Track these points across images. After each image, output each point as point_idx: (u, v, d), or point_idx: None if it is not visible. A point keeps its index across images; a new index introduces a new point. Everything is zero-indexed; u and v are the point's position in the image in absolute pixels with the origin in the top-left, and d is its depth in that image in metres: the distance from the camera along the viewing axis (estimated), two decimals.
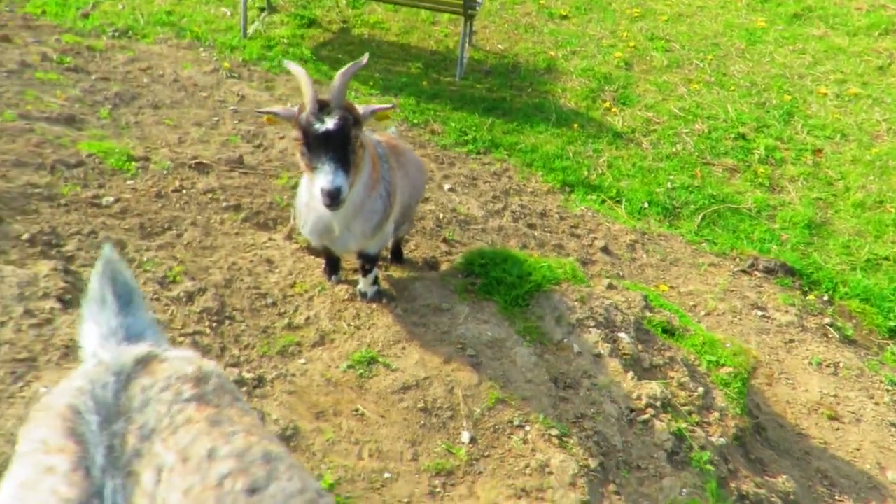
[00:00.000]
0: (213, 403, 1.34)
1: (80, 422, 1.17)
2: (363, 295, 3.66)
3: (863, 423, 4.64)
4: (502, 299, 3.63)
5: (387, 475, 2.78)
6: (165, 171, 4.76)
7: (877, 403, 4.89)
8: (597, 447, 2.99)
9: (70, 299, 3.14)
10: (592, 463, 2.92)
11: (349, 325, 3.49)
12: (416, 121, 7.20)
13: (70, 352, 2.86)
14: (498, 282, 3.70)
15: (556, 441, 2.99)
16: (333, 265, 3.74)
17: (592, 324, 3.60)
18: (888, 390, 5.05)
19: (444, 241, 5.00)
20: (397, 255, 4.29)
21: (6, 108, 5.01)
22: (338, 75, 2.71)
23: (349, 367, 3.23)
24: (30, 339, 2.86)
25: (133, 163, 4.99)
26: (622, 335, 3.63)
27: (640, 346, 3.65)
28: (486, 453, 2.93)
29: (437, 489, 2.76)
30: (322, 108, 2.64)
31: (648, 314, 4.08)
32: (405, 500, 2.70)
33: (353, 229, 3.11)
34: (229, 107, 6.55)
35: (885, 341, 5.76)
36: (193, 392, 1.32)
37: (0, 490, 1.13)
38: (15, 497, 1.08)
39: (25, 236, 3.48)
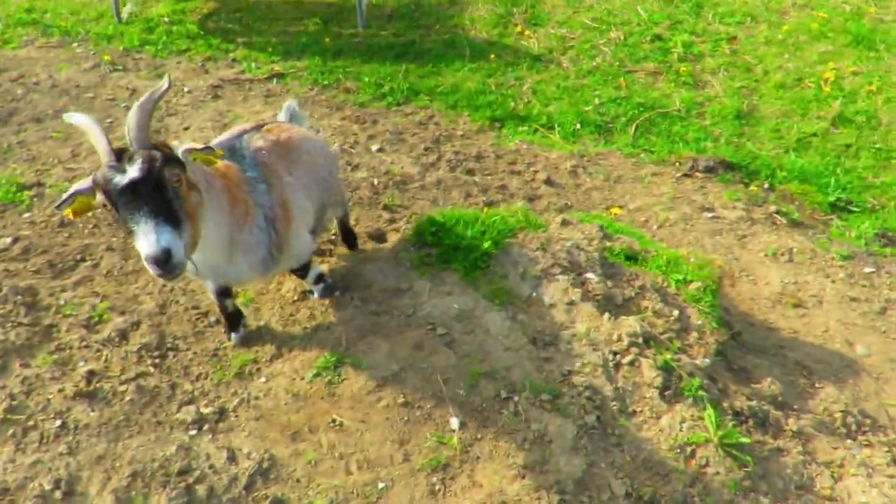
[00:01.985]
0: None
1: None
2: (311, 293, 3.40)
3: (825, 304, 4.74)
4: (462, 266, 3.42)
5: (381, 485, 2.60)
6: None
7: (833, 281, 4.99)
8: (590, 402, 2.88)
9: None
10: (589, 419, 2.81)
11: (305, 328, 3.22)
12: (326, 82, 6.73)
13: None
14: (454, 248, 3.47)
15: (548, 406, 2.85)
16: (231, 318, 3.21)
17: (558, 270, 3.44)
18: (841, 266, 5.16)
19: (385, 208, 4.71)
20: (348, 239, 3.95)
21: None
22: (133, 109, 2.15)
23: (315, 375, 2.98)
24: None
25: (25, 192, 4.46)
26: (590, 275, 3.49)
27: (609, 283, 3.53)
28: (478, 436, 2.78)
29: (437, 486, 2.60)
30: (120, 156, 2.08)
31: (608, 244, 3.96)
32: None
33: (241, 267, 2.69)
34: (121, 104, 5.93)
35: (828, 217, 5.88)
36: None
37: None
38: None
39: None
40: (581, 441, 2.73)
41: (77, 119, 2.22)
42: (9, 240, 3.92)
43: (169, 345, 3.20)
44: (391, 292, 3.35)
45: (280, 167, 2.87)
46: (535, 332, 3.18)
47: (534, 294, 3.35)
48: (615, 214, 5.31)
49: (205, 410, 2.83)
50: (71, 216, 2.14)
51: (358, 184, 5.05)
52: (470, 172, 5.71)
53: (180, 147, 2.23)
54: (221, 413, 2.83)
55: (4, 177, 4.63)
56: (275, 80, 6.70)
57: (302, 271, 3.18)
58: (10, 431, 2.64)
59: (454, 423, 2.81)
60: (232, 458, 2.62)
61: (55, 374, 2.95)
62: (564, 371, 3.00)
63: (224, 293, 3.07)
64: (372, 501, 2.54)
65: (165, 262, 1.99)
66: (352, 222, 4.30)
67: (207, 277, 2.77)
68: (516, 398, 2.89)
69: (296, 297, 3.41)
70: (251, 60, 7.01)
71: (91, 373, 2.96)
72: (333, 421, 2.79)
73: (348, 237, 3.94)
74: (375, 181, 5.15)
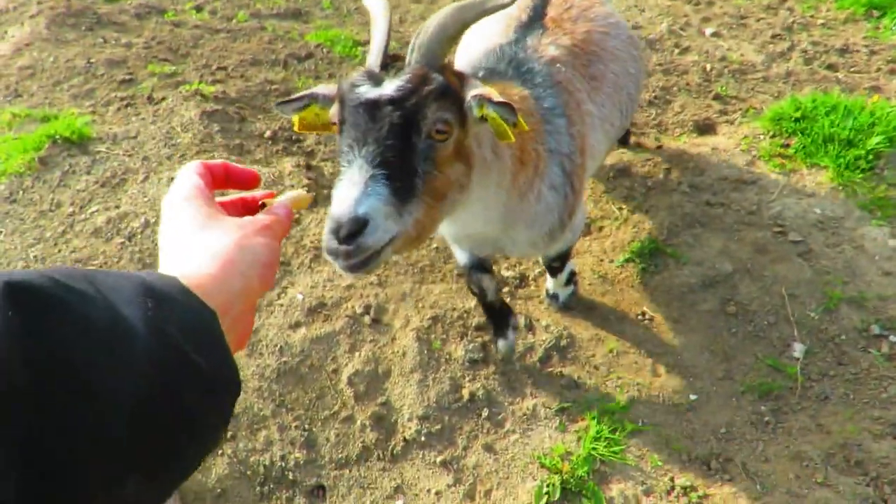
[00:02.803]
0: None
1: None
2: (553, 297, 2.49)
3: None
4: (833, 163, 2.66)
5: (693, 396, 2.19)
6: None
7: None
8: None
9: (315, 196, 2.92)
10: None
11: (620, 207, 2.84)
12: None
13: (319, 253, 2.64)
14: (826, 139, 2.72)
15: None
16: (497, 318, 2.34)
17: None
18: None
19: (717, 97, 3.98)
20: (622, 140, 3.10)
21: (238, 9, 4.97)
22: (445, 11, 1.37)
23: (627, 260, 2.61)
24: (282, 243, 2.70)
25: (359, 48, 4.68)
26: None
27: None
28: (830, 372, 2.17)
29: (766, 418, 2.10)
30: (388, 64, 1.36)
31: None
32: (722, 430, 2.10)
33: (515, 242, 1.90)
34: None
35: None
36: None
37: None
38: None
39: (267, 134, 3.33)
40: None
41: (369, 2, 1.48)
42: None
43: None
44: (731, 183, 2.77)
45: (581, 88, 1.95)
46: None
47: None
48: None
49: (506, 273, 2.67)
50: (296, 127, 1.47)
51: (686, 68, 4.34)
52: (831, 68, 4.57)
53: (474, 89, 1.38)
54: (521, 280, 2.65)
55: (344, 34, 4.94)
56: None
57: (560, 262, 2.29)
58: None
59: (797, 349, 2.24)
60: (530, 327, 2.43)
61: None
62: None
63: (480, 267, 2.18)
64: (681, 411, 2.16)
65: (349, 238, 1.17)
66: (675, 109, 3.70)
67: (460, 246, 2.06)
68: (893, 338, 2.18)
69: (612, 174, 3.02)
70: None
71: None
72: (643, 314, 2.42)
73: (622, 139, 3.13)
74: (708, 67, 4.38)
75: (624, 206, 2.85)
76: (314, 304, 2.45)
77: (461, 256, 2.16)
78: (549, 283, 2.46)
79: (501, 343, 2.33)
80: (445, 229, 1.79)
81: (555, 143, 1.79)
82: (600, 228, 2.80)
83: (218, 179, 0.77)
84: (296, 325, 2.39)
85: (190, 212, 0.68)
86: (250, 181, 0.81)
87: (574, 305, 2.46)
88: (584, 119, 1.93)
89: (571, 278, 2.45)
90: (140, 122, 3.36)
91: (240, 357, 2.34)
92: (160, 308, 0.52)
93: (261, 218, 0.70)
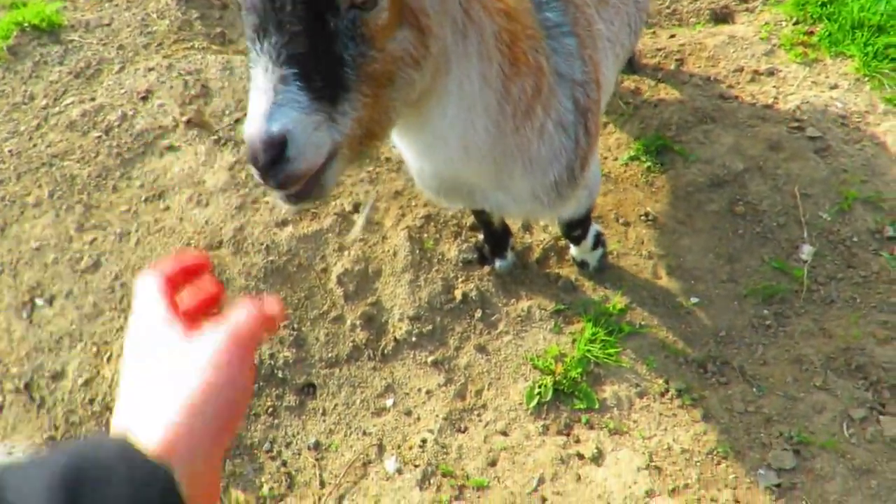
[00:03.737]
0: None
1: None
2: (581, 265, 2.22)
3: None
4: (860, 53, 2.45)
5: (694, 299, 2.12)
6: None
7: None
8: None
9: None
10: None
11: (626, 103, 2.66)
12: None
13: None
14: (854, 25, 2.49)
15: None
16: (496, 240, 2.18)
17: None
18: None
19: None
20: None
21: None
22: None
23: (632, 158, 2.47)
24: None
25: None
26: None
27: None
28: (838, 275, 2.08)
29: (768, 321, 2.04)
30: None
31: None
32: (721, 334, 2.04)
33: (514, 192, 1.51)
34: None
35: None
36: None
37: None
38: None
39: None
40: None
41: None
42: None
43: None
44: (748, 74, 2.57)
45: (590, 2, 1.56)
46: None
47: None
48: None
49: None
50: None
51: None
52: None
53: None
54: None
55: None
56: None
57: (581, 230, 2.00)
58: None
59: (806, 251, 2.14)
60: (527, 227, 2.33)
61: None
62: None
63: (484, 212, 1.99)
64: (680, 314, 2.09)
65: (272, 165, 0.89)
66: None
67: (445, 198, 1.61)
68: None
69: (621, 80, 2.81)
70: None
71: None
72: (647, 215, 2.31)
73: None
74: None
75: (631, 101, 2.67)
76: None
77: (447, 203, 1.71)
78: (574, 250, 2.19)
79: (499, 263, 2.21)
80: (423, 180, 1.52)
81: (565, 67, 1.39)
82: (605, 125, 2.63)
83: (176, 283, 0.66)
84: (282, 224, 2.30)
85: (150, 345, 0.59)
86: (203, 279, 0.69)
87: (607, 268, 2.20)
88: (597, 43, 1.53)
89: (597, 240, 2.15)
90: (114, 9, 3.12)
91: (224, 256, 2.27)
92: (89, 495, 0.43)
93: (223, 336, 0.58)
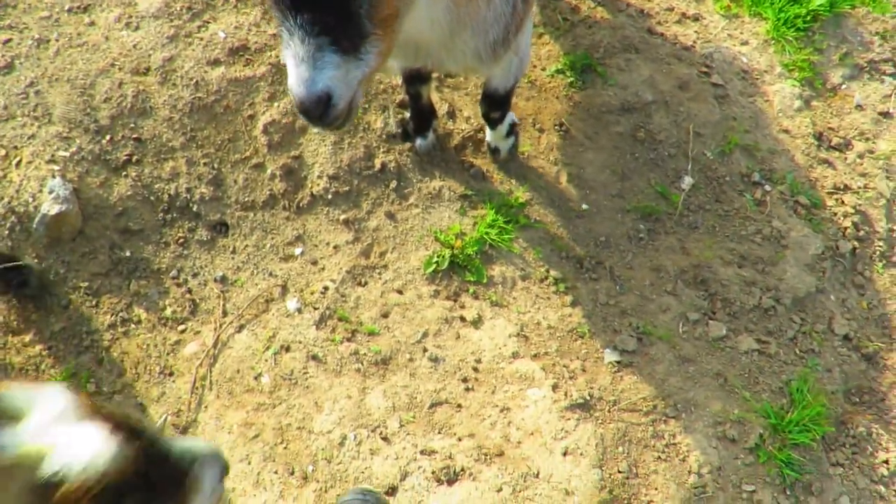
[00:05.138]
0: None
1: None
2: (494, 151, 2.43)
3: None
4: (773, 16, 2.71)
5: (585, 206, 2.38)
6: None
7: None
8: (853, 229, 2.36)
9: None
10: (843, 247, 2.33)
11: (565, 19, 2.80)
12: None
13: None
14: None
15: (802, 211, 2.38)
16: (421, 117, 2.33)
17: (890, 69, 2.65)
18: None
19: None
20: None
21: None
22: None
23: (557, 71, 2.64)
24: None
25: None
26: None
27: None
28: (707, 207, 2.41)
29: (641, 235, 2.34)
30: None
31: None
32: (601, 239, 2.33)
33: (458, 52, 1.76)
34: None
35: None
36: None
37: None
38: None
39: None
40: (822, 263, 2.29)
41: None
42: None
43: None
44: (676, 14, 2.78)
45: None
46: (825, 127, 2.57)
47: (844, 85, 2.64)
48: None
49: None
50: None
51: None
52: None
53: None
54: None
55: None
56: None
57: (501, 112, 2.23)
58: None
59: (686, 181, 2.44)
60: (452, 115, 2.47)
61: None
62: (840, 184, 2.45)
63: (417, 78, 2.16)
64: (571, 217, 2.35)
65: (320, 115, 1.20)
66: None
67: (397, 58, 1.81)
68: (768, 187, 2.43)
69: None
70: None
71: None
72: (561, 125, 2.52)
73: None
74: None
75: (569, 18, 2.81)
76: (236, 45, 2.34)
77: (396, 68, 2.02)
78: (489, 135, 2.39)
79: (420, 142, 2.36)
80: None
81: None
82: (540, 35, 2.77)
83: None
84: (214, 63, 2.30)
85: None
86: None
87: (515, 157, 2.41)
88: None
89: (512, 129, 2.39)
90: None
91: (150, 84, 2.25)
92: None
93: None
